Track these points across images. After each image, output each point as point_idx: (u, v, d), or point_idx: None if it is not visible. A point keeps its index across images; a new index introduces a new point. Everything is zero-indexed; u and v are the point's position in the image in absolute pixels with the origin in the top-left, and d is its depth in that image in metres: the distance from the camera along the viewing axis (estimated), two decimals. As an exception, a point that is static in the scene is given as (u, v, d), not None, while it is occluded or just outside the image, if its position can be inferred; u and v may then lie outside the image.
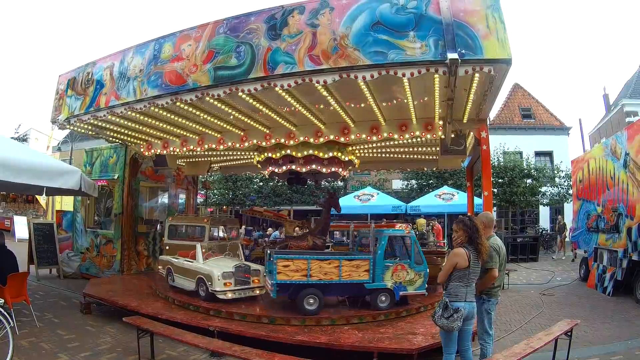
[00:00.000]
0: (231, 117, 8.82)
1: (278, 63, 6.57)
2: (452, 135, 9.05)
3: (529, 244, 21.27)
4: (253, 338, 6.91)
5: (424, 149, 11.89)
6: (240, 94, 7.04)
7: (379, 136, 9.00)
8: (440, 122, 8.59)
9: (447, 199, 21.48)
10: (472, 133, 9.22)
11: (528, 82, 76.11)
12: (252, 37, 6.90)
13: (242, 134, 9.84)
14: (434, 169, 20.05)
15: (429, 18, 6.09)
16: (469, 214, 11.97)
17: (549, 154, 32.38)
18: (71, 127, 10.09)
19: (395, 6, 6.21)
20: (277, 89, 6.75)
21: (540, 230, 26.30)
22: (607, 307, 10.72)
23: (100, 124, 9.91)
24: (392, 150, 11.99)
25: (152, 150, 11.24)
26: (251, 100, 7.68)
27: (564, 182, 27.35)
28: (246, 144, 9.83)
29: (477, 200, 12.99)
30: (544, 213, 30.37)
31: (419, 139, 9.48)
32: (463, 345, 5.31)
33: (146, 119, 9.41)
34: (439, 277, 5.42)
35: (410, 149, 12.02)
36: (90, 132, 10.82)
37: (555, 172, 28.44)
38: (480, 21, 6.04)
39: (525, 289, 13.77)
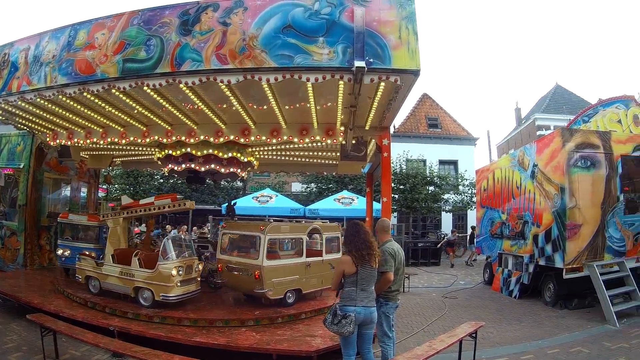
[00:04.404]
0: (135, 111, 8.55)
1: (185, 59, 6.45)
2: (353, 142, 9.19)
3: (430, 249, 22.01)
4: (153, 338, 6.79)
5: (325, 153, 12.01)
6: (145, 88, 6.84)
7: (279, 139, 8.97)
8: (342, 128, 8.64)
9: (347, 203, 21.57)
10: (373, 140, 9.35)
11: (438, 93, 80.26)
12: (163, 31, 6.74)
13: (144, 129, 9.57)
14: (334, 173, 20.06)
15: (341, 25, 6.15)
16: (367, 218, 12.25)
17: (454, 163, 33.16)
18: (-19, 111, 9.50)
19: (309, 11, 6.24)
20: (181, 85, 6.63)
21: (442, 236, 27.00)
22: (514, 310, 11.09)
23: (10, 109, 9.36)
24: (292, 153, 12.07)
25: (58, 140, 10.74)
26: (155, 96, 7.48)
27: (468, 190, 28.24)
28: (148, 140, 9.58)
29: (377, 206, 13.14)
30: (447, 219, 31.34)
31: (319, 144, 9.52)
32: (363, 348, 5.39)
33: (54, 107, 8.94)
34: (331, 284, 5.49)
35: (311, 153, 12.13)
36: (0, 117, 10.25)
37: (459, 180, 29.21)
38: (393, 31, 6.15)
39: (426, 292, 14.09)
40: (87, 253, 9.56)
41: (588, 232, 10.50)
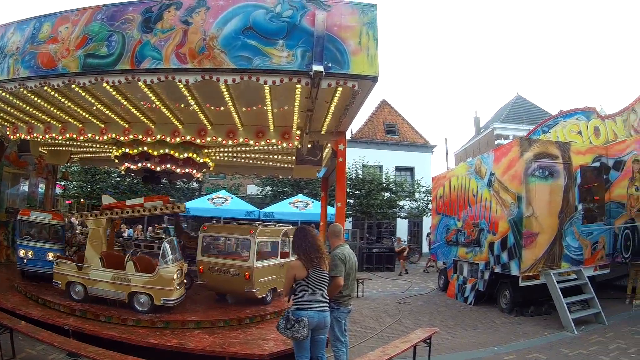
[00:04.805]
0: (94, 107, 8.44)
1: (145, 57, 6.37)
2: (309, 146, 9.21)
3: (385, 255, 22.09)
4: (106, 339, 6.75)
5: (280, 157, 12.01)
6: (104, 84, 6.76)
7: (235, 140, 8.91)
8: (298, 132, 8.65)
9: (302, 207, 21.59)
10: (329, 145, 9.36)
11: (397, 100, 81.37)
12: (126, 28, 6.64)
13: (102, 126, 9.41)
14: (289, 177, 20.02)
15: (302, 29, 6.14)
16: (321, 222, 12.40)
17: (411, 170, 33.65)
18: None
19: (270, 13, 6.21)
20: (140, 83, 6.58)
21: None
22: (469, 316, 11.20)
23: (-26, 101, 9.20)
24: (248, 155, 12.04)
25: (18, 134, 10.45)
26: (114, 93, 7.41)
27: (424, 197, 28.54)
28: (105, 137, 9.43)
29: (332, 210, 13.18)
30: (402, 225, 31.71)
31: (275, 147, 9.50)
32: (317, 353, 5.38)
33: (16, 100, 8.76)
34: (283, 290, 5.48)
35: (266, 156, 12.11)
36: (-36, 110, 10.01)
37: (416, 187, 29.62)
38: (353, 37, 6.16)
39: (381, 297, 14.15)
40: (61, 256, 9.23)
41: (545, 240, 10.69)
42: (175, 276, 8.14)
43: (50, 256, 9.77)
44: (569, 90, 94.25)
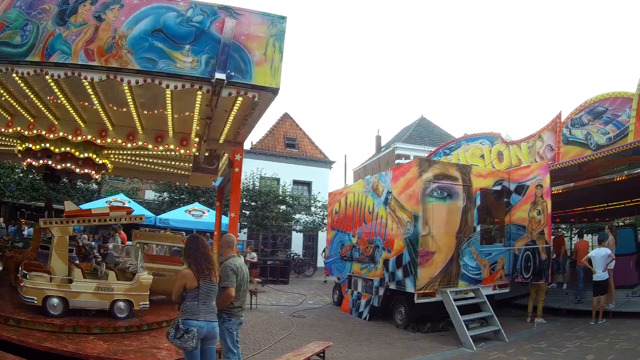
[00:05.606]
0: (2, 98, 8.10)
1: (55, 50, 6.24)
2: (206, 154, 9.17)
3: (279, 267, 22.39)
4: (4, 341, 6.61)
5: (178, 163, 11.95)
6: (14, 75, 6.56)
7: (134, 144, 8.73)
8: (196, 139, 8.58)
9: (197, 215, 21.60)
10: (226, 154, 9.43)
11: (299, 114, 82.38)
12: (41, 18, 6.47)
13: (9, 118, 8.96)
14: (186, 184, 19.71)
15: (209, 35, 6.18)
16: (215, 232, 12.54)
17: (308, 184, 34.16)
18: None
19: (181, 17, 6.23)
20: (47, 77, 6.41)
21: (292, 255, 27.98)
22: (364, 331, 11.28)
23: None
24: (147, 160, 11.89)
25: None
26: (22, 85, 7.20)
27: (320, 211, 29.17)
28: (10, 130, 8.98)
29: (226, 220, 13.34)
30: (297, 239, 32.23)
31: (173, 153, 9.48)
32: None
33: None
34: (173, 296, 5.52)
35: (164, 162, 12.02)
36: None
37: (312, 201, 30.22)
38: (259, 47, 6.26)
39: (274, 310, 14.25)
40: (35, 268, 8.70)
41: (441, 259, 11.00)
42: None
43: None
44: (476, 116, 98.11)
